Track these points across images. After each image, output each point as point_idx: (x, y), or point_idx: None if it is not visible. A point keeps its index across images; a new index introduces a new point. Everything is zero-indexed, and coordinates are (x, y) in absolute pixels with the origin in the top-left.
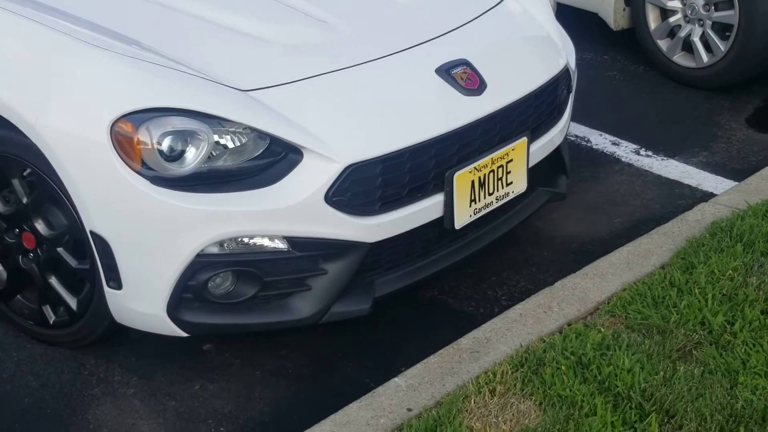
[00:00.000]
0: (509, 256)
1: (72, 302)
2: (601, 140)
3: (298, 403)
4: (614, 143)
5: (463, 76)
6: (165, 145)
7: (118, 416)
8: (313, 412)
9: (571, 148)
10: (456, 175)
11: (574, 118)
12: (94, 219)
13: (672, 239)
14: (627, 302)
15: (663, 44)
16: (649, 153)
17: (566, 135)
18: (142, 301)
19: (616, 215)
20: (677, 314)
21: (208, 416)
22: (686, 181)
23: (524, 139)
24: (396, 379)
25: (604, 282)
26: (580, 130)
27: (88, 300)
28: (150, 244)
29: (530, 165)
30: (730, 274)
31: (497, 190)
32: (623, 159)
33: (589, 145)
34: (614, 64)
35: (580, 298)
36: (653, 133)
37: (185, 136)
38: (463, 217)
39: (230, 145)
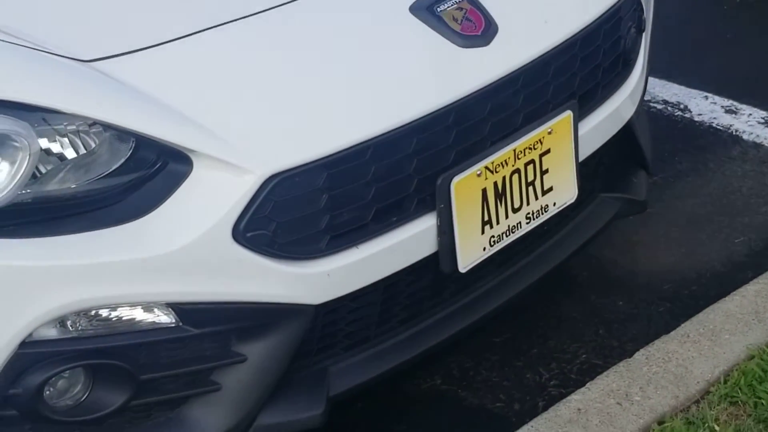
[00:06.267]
0: (558, 312)
1: None
2: (706, 106)
3: None
4: (730, 110)
5: (458, 16)
6: None
7: None
8: None
9: (655, 121)
10: (455, 181)
11: (661, 72)
12: None
13: None
14: (756, 379)
15: None
16: None
17: (642, 103)
18: None
19: (736, 232)
20: None
21: None
22: None
23: (568, 114)
24: None
25: (717, 347)
26: (670, 91)
27: None
28: None
29: (582, 157)
30: None
31: (528, 203)
32: (746, 136)
33: (686, 115)
34: None
35: (678, 376)
36: None
37: None
38: (472, 251)
39: (69, 154)
